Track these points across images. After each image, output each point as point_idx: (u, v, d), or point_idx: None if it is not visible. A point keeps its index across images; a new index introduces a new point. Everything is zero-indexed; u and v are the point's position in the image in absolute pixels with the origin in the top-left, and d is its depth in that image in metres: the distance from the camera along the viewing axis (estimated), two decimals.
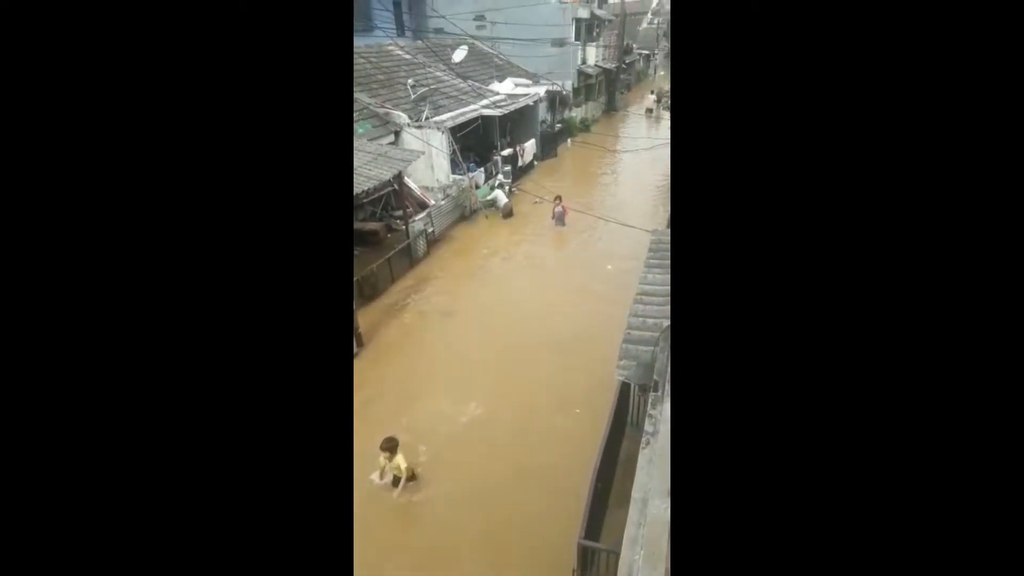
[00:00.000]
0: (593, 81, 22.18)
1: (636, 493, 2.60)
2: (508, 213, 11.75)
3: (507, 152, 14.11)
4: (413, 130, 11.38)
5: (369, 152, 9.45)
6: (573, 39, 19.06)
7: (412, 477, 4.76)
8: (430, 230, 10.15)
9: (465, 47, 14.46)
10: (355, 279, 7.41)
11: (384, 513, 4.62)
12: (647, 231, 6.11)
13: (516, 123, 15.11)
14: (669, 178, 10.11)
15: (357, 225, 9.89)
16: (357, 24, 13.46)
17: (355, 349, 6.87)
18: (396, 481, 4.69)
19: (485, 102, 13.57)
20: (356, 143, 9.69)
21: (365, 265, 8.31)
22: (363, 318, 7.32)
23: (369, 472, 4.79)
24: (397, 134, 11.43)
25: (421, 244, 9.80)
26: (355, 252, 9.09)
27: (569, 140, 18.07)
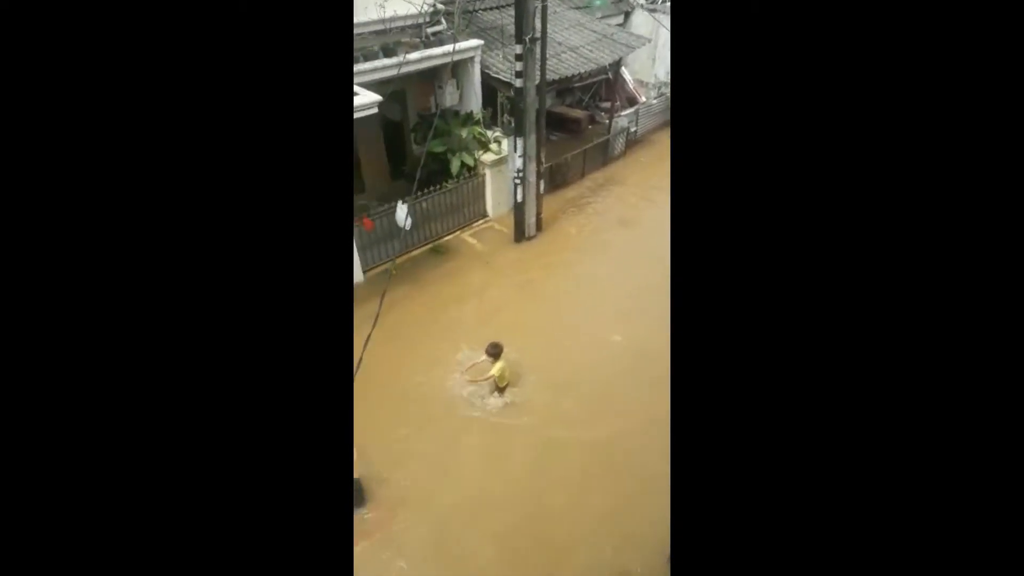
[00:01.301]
0: None
1: None
2: None
3: None
4: (645, 13, 10.20)
5: (595, 31, 8.86)
6: None
7: (503, 388, 4.71)
8: (633, 129, 9.54)
9: None
10: (548, 166, 7.51)
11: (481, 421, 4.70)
12: None
13: None
14: None
15: (561, 109, 9.73)
16: None
17: (533, 232, 7.23)
18: (497, 390, 4.70)
19: None
20: (583, 20, 9.10)
21: (560, 153, 8.31)
22: (547, 205, 7.54)
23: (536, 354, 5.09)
24: (627, 15, 10.40)
25: (620, 143, 9.34)
26: (553, 137, 9.09)
27: None
